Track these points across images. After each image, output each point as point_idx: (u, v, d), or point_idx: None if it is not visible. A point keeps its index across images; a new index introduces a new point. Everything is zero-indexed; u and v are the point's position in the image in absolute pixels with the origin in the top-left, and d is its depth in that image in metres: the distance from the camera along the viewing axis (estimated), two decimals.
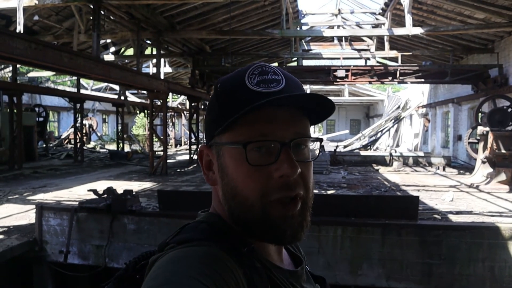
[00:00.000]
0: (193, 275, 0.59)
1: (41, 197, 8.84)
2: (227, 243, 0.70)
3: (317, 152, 0.80)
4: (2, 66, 18.51)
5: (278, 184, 0.70)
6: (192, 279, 0.58)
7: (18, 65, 15.78)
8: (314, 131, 37.91)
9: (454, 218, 6.74)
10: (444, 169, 14.68)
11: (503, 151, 10.10)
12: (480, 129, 10.92)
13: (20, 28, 8.59)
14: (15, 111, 14.40)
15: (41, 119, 19.40)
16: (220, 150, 0.75)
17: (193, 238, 0.70)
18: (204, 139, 0.82)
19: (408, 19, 12.35)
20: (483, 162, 10.81)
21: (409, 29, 12.33)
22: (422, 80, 15.81)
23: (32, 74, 20.52)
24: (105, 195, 6.51)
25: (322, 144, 0.80)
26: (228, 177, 0.73)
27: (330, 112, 0.77)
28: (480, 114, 12.24)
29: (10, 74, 17.59)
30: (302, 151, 0.74)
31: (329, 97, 0.73)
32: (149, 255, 0.76)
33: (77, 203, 6.79)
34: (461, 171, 14.40)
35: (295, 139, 0.72)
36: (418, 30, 12.44)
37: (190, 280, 0.58)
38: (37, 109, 19.85)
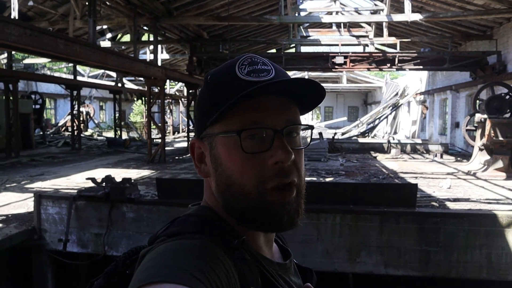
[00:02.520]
0: (184, 268, 0.58)
1: (39, 185, 8.82)
2: (217, 235, 0.70)
3: (308, 139, 0.82)
4: None
5: (274, 171, 0.71)
6: (184, 271, 0.58)
7: (13, 52, 15.60)
8: (312, 118, 37.87)
9: (452, 206, 6.77)
10: (441, 156, 14.72)
11: (500, 138, 10.11)
12: (478, 116, 10.91)
13: (14, 14, 8.48)
14: (11, 98, 14.29)
15: (37, 106, 19.28)
16: (213, 141, 0.75)
17: (183, 231, 0.70)
18: (195, 133, 0.82)
19: (407, 5, 12.25)
20: (481, 150, 10.83)
21: (408, 15, 12.24)
22: (421, 67, 15.75)
23: (28, 60, 20.32)
24: (104, 183, 6.50)
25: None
26: (222, 167, 0.74)
27: (321, 99, 0.77)
28: (478, 101, 12.21)
29: (5, 61, 17.40)
30: (294, 138, 0.75)
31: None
32: (139, 250, 0.75)
33: (76, 191, 6.79)
34: (459, 158, 14.45)
35: (287, 126, 0.73)
36: (417, 16, 12.36)
37: (181, 272, 0.57)
38: (33, 96, 19.72)
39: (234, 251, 0.69)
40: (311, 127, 0.80)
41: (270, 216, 0.71)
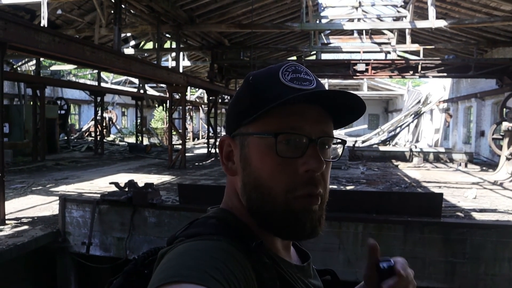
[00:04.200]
0: (203, 268, 0.58)
1: (63, 188, 9.00)
2: (236, 237, 0.71)
3: (339, 151, 0.79)
4: (26, 60, 18.85)
5: (304, 179, 0.71)
6: (202, 272, 0.58)
7: (41, 59, 16.05)
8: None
9: (478, 216, 6.59)
10: (466, 166, 14.38)
11: None
12: (505, 125, 10.66)
13: (44, 22, 8.71)
14: (38, 104, 14.70)
15: (62, 112, 19.74)
16: (245, 140, 0.75)
17: (202, 232, 0.71)
18: (225, 131, 0.83)
19: (431, 11, 12.08)
20: (508, 159, 10.56)
21: (432, 22, 12.06)
22: (445, 74, 15.47)
23: (55, 67, 20.85)
24: (126, 188, 6.59)
25: (344, 147, 0.79)
26: (252, 167, 0.74)
27: (358, 115, 0.78)
28: (505, 110, 11.92)
29: (33, 68, 17.90)
30: (325, 150, 0.75)
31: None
32: (157, 250, 0.76)
33: (99, 195, 6.90)
34: (484, 168, 14.09)
35: (322, 137, 0.73)
36: (442, 23, 12.16)
37: (200, 273, 0.57)
38: (59, 102, 20.20)
39: (252, 253, 0.69)
40: (343, 142, 0.81)
41: (293, 221, 0.71)
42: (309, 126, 0.72)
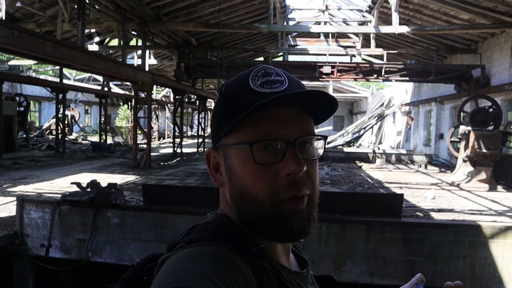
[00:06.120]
0: (203, 274, 0.59)
1: (21, 189, 8.64)
2: (236, 243, 0.71)
3: (321, 151, 0.80)
4: None
5: (287, 182, 0.71)
6: (203, 277, 0.58)
7: None
8: None
9: (436, 216, 6.85)
10: (426, 167, 14.91)
11: (484, 150, 10.30)
12: (462, 128, 11.09)
13: (1, 14, 8.35)
14: None
15: (21, 108, 18.94)
16: (227, 152, 0.76)
17: (202, 238, 0.71)
18: (211, 143, 0.83)
19: (395, 17, 12.46)
20: (464, 161, 11.01)
21: (396, 28, 12.44)
22: (407, 78, 15.99)
23: (13, 62, 20.01)
24: (89, 188, 6.41)
25: (326, 142, 0.80)
26: (236, 177, 0.74)
27: (333, 109, 0.78)
28: (462, 114, 12.44)
29: None
30: (307, 149, 0.75)
31: None
32: (157, 257, 0.76)
33: (59, 195, 6.68)
34: (443, 169, 14.65)
35: (300, 137, 0.73)
36: (404, 29, 12.57)
37: (200, 278, 0.58)
38: (17, 98, 19.35)
39: (253, 259, 0.69)
40: (324, 138, 0.80)
41: (282, 225, 0.72)
42: (285, 129, 0.72)
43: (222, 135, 0.75)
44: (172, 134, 19.06)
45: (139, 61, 17.22)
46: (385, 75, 15.39)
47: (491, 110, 11.23)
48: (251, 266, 0.68)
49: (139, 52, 17.46)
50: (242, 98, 0.73)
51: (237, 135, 0.73)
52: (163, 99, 29.41)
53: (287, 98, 0.72)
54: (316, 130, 0.78)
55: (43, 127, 24.60)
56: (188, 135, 34.87)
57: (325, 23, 17.33)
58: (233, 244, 0.70)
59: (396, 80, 16.52)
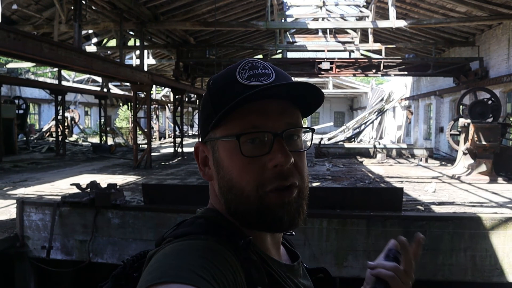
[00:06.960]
0: (191, 268, 0.59)
1: (22, 191, 8.65)
2: (224, 236, 0.71)
3: (309, 143, 0.81)
4: None
5: (273, 174, 0.71)
6: (190, 272, 0.58)
7: None
8: None
9: (437, 209, 6.84)
10: (426, 161, 14.90)
11: (483, 142, 10.28)
12: (462, 121, 11.08)
13: None
14: None
15: (21, 111, 18.96)
16: (215, 145, 0.76)
17: (190, 232, 0.71)
18: (200, 137, 0.84)
19: (392, 12, 12.43)
20: (464, 154, 11.00)
21: (393, 22, 12.41)
22: (405, 72, 15.97)
23: (11, 65, 20.02)
24: (89, 189, 6.41)
25: (313, 134, 0.80)
26: (224, 170, 0.74)
27: (320, 101, 0.78)
28: (461, 107, 12.41)
29: None
30: (294, 141, 0.75)
31: None
32: (146, 254, 0.75)
33: (60, 197, 6.68)
34: (443, 163, 14.64)
35: (287, 129, 0.73)
36: (402, 23, 12.54)
37: (188, 273, 0.58)
38: (16, 101, 19.38)
39: (241, 251, 0.69)
40: (312, 130, 0.80)
41: (270, 217, 0.72)
42: (271, 121, 0.72)
43: (210, 128, 0.75)
44: (172, 134, 19.05)
45: (138, 61, 17.21)
46: (384, 70, 15.38)
47: (490, 102, 11.21)
48: (239, 258, 0.68)
49: (137, 52, 17.45)
50: (229, 91, 0.73)
51: (224, 128, 0.73)
52: (163, 99, 29.40)
53: (273, 90, 0.71)
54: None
55: (43, 130, 24.63)
56: (189, 134, 34.90)
57: (323, 19, 17.28)
58: (221, 237, 0.70)
59: (395, 75, 16.51)
